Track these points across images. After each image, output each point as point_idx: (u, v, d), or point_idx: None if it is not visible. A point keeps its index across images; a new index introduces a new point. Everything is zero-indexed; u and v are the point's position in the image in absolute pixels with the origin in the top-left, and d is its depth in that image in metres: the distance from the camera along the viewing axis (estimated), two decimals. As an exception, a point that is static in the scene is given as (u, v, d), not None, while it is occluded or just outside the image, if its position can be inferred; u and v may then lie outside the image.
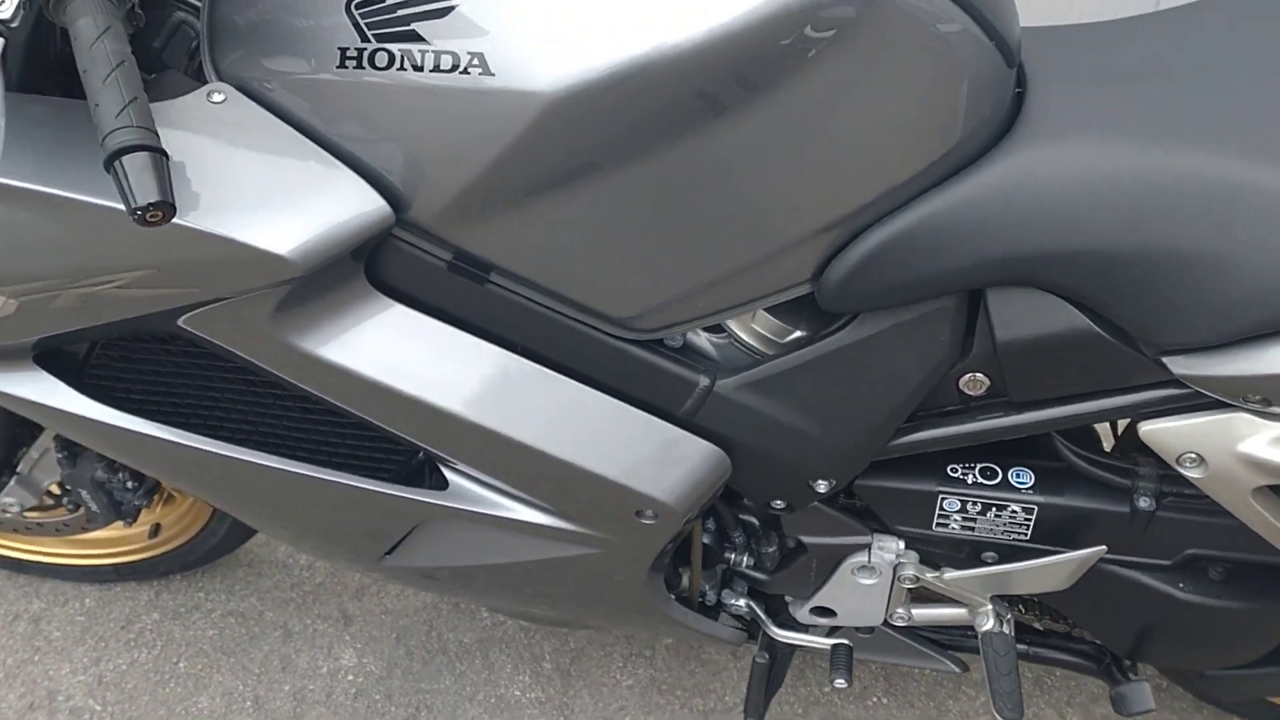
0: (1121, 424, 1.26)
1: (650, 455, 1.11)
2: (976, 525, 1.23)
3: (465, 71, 0.89)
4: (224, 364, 1.12)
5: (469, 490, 1.17)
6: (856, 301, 1.04)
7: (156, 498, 1.64)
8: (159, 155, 0.81)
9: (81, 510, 1.58)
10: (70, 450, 1.48)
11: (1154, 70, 1.05)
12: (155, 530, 1.71)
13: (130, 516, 1.54)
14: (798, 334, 1.10)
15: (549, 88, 0.88)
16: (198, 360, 1.13)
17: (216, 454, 1.16)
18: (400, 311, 1.04)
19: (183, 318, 1.04)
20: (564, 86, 0.87)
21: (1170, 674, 1.56)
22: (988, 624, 1.29)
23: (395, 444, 1.17)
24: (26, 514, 1.61)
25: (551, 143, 0.91)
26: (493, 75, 0.89)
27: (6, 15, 0.87)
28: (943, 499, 1.22)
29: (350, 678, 1.67)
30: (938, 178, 0.99)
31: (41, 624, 1.75)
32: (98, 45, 0.82)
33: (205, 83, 0.98)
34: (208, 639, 1.73)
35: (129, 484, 1.50)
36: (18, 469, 1.52)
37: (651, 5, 0.87)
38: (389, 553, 1.28)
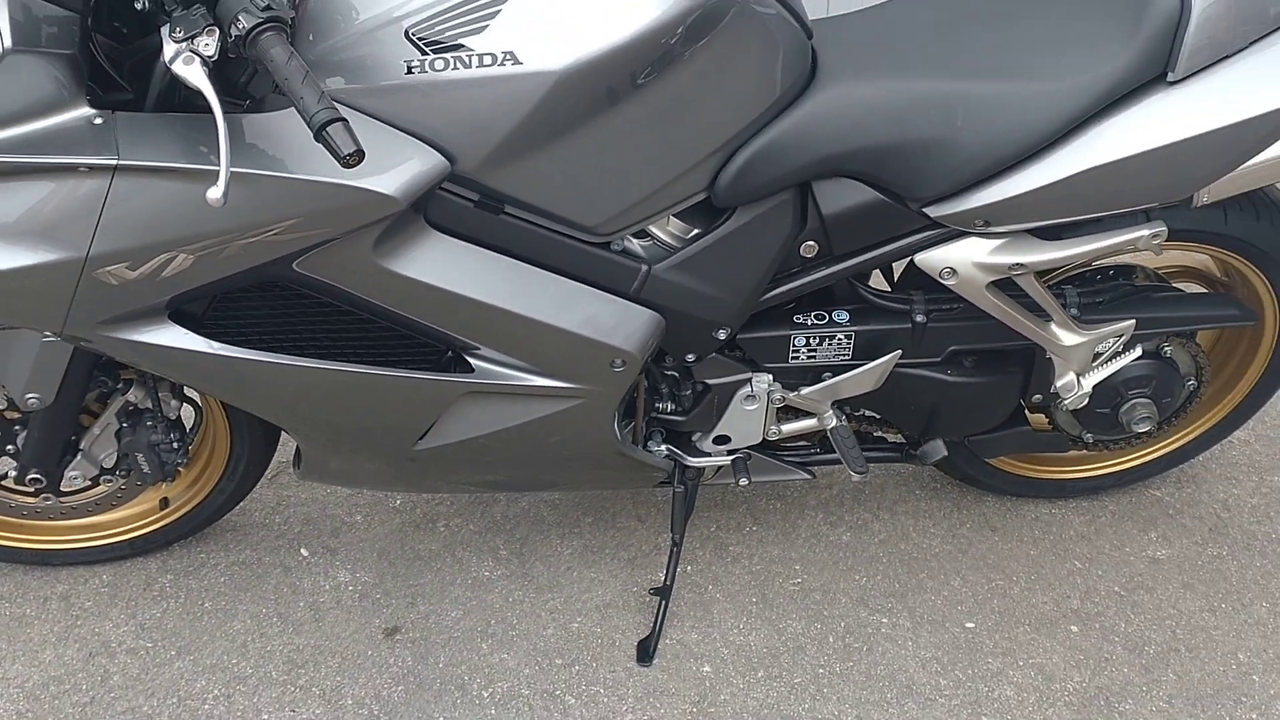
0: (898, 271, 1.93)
1: (617, 321, 1.66)
2: (817, 354, 1.85)
3: (501, 64, 1.42)
4: (313, 299, 1.58)
5: (490, 370, 1.68)
6: (737, 199, 1.64)
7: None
8: (347, 123, 1.29)
9: (127, 479, 1.94)
10: (131, 420, 1.86)
11: (900, 34, 1.72)
12: (164, 503, 2.07)
13: (172, 476, 1.92)
14: (696, 230, 1.69)
15: (560, 67, 1.42)
16: (287, 300, 1.58)
17: (304, 367, 1.62)
18: (447, 240, 1.55)
19: (296, 262, 1.51)
20: (569, 66, 1.42)
21: (942, 465, 2.21)
22: (832, 422, 1.91)
23: (432, 346, 1.65)
24: (62, 499, 1.96)
25: (557, 105, 1.45)
26: (521, 64, 1.42)
27: (210, 52, 1.32)
28: (793, 338, 1.83)
29: (351, 588, 2.10)
30: (774, 114, 1.61)
31: (71, 599, 2.07)
32: (291, 63, 1.29)
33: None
34: (221, 584, 2.10)
35: (175, 444, 1.89)
36: (80, 447, 1.88)
37: (609, 17, 1.44)
38: (422, 438, 1.76)
